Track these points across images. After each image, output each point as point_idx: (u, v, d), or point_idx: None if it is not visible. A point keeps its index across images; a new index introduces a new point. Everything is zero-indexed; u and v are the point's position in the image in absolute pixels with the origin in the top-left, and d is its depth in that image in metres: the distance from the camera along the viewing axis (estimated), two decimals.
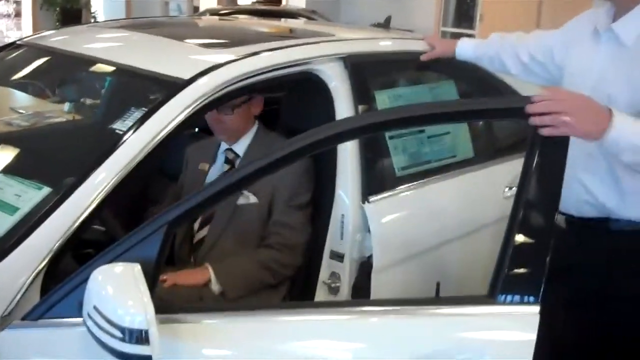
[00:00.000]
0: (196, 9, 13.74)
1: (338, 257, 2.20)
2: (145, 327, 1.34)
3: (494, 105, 1.69)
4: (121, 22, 3.09)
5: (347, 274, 2.19)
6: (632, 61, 1.85)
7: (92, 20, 12.26)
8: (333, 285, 2.20)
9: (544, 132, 1.58)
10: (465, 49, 2.51)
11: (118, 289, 1.39)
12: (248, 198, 2.31)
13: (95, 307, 1.39)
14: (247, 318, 1.58)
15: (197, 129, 2.84)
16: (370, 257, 2.19)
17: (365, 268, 2.20)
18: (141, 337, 1.34)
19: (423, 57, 2.52)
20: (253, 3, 11.31)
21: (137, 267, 1.44)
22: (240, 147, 2.43)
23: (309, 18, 7.57)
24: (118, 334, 1.35)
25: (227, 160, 2.44)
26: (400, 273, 2.25)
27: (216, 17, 5.30)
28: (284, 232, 2.29)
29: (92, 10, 12.51)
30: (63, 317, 1.53)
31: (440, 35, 8.62)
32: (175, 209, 1.56)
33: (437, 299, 1.88)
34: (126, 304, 1.36)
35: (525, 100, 1.62)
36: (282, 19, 5.02)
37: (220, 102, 2.04)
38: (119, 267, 1.44)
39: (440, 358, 1.52)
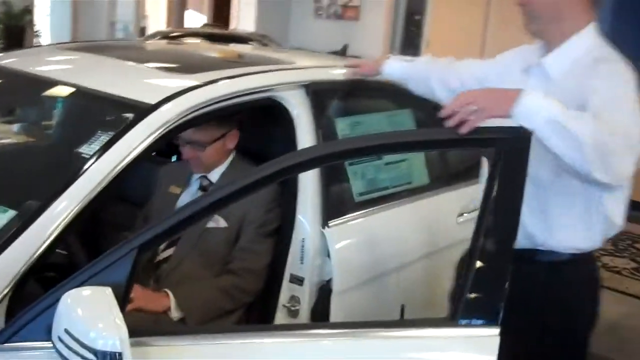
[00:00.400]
0: (143, 29, 13.64)
1: (298, 280, 2.24)
2: (119, 350, 1.35)
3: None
4: (79, 44, 3.09)
5: (307, 297, 2.23)
6: (559, 95, 1.87)
7: (36, 39, 12.05)
8: (293, 308, 2.23)
9: (462, 131, 1.65)
10: (392, 68, 2.47)
11: (91, 312, 1.40)
12: (218, 222, 2.32)
13: (66, 330, 1.40)
14: (214, 340, 1.60)
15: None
16: (329, 280, 2.24)
17: (324, 292, 2.25)
18: (115, 359, 1.35)
19: (346, 74, 2.53)
20: (203, 25, 11.30)
21: (108, 290, 1.45)
22: (215, 175, 2.44)
23: (260, 43, 7.60)
24: (91, 356, 1.36)
25: (201, 187, 2.45)
26: (360, 296, 2.30)
27: (176, 41, 5.30)
28: (249, 258, 2.30)
29: (35, 29, 12.29)
30: (30, 341, 1.52)
31: None
32: (145, 233, 1.58)
33: (399, 322, 1.92)
34: (99, 327, 1.37)
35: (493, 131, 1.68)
36: (235, 44, 5.05)
37: (185, 127, 2.06)
38: (90, 291, 1.45)
39: None
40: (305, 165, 1.88)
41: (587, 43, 1.92)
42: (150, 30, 12.72)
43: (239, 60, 2.67)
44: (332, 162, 2.18)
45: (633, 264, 5.27)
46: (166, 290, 2.21)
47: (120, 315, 1.40)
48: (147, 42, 4.77)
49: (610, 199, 1.92)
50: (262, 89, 2.21)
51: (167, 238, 1.63)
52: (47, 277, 1.93)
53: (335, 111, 2.47)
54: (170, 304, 2.17)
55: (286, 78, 2.31)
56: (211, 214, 1.69)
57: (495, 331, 1.58)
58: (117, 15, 14.03)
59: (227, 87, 2.13)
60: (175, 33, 7.96)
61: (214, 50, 2.97)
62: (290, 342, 1.63)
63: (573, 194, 1.91)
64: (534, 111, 1.65)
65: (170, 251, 2.35)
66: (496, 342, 1.57)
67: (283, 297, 2.25)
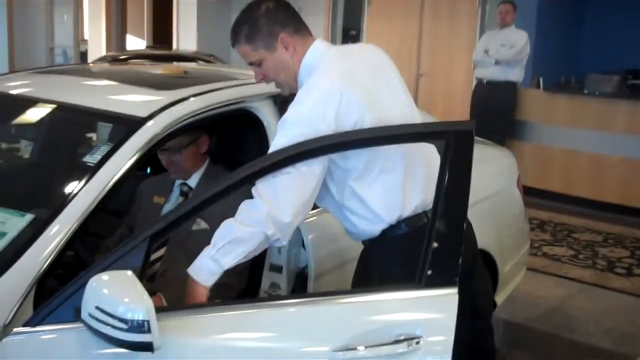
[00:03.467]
0: (83, 54, 13.67)
1: (277, 268, 2.52)
2: (147, 318, 1.61)
3: (417, 129, 2.06)
4: (49, 68, 3.30)
5: (285, 283, 2.51)
6: None
7: None
8: (273, 293, 2.50)
9: None
10: None
11: (120, 290, 1.65)
12: (200, 224, 2.56)
13: (98, 307, 1.65)
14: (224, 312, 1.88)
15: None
16: (305, 267, 2.52)
17: (301, 277, 2.53)
18: (143, 327, 1.61)
19: None
20: (147, 47, 11.43)
21: (130, 273, 1.70)
22: (193, 181, 2.69)
23: (207, 61, 7.78)
24: (123, 326, 1.61)
25: (181, 193, 2.70)
26: (333, 280, 2.58)
27: (133, 62, 5.49)
28: None
29: None
30: (60, 323, 1.76)
31: None
32: (155, 225, 1.84)
33: (376, 288, 2.15)
34: (128, 301, 1.62)
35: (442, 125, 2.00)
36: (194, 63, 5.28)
37: (169, 138, 2.31)
38: (115, 273, 1.70)
39: (382, 333, 1.86)
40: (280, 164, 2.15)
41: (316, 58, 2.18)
42: (91, 55, 12.78)
43: (217, 77, 2.92)
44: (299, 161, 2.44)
45: (571, 251, 5.69)
46: (159, 293, 2.37)
47: (144, 290, 1.65)
48: (109, 64, 4.96)
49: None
50: (237, 101, 2.49)
51: (173, 229, 1.88)
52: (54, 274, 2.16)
53: None
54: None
55: (257, 90, 2.59)
56: (207, 206, 1.94)
57: (454, 290, 1.88)
58: (55, 41, 14.10)
59: (208, 99, 2.40)
60: (124, 55, 8.07)
61: (193, 69, 3.22)
62: (276, 310, 1.91)
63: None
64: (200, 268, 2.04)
65: (161, 251, 2.57)
66: (455, 299, 1.87)
67: (264, 284, 2.52)
